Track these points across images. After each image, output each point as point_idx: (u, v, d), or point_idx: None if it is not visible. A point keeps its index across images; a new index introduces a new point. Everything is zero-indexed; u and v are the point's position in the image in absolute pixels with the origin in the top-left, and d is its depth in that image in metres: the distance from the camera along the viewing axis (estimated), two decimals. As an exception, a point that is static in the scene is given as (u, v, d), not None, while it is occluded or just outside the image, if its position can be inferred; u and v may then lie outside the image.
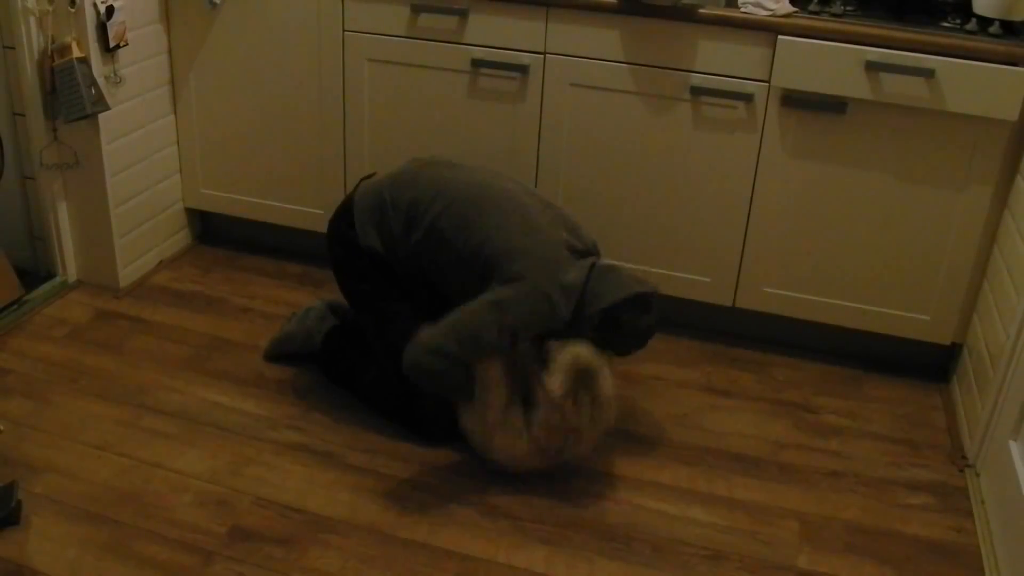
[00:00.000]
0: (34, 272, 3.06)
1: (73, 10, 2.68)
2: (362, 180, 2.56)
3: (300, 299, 3.04)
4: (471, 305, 2.25)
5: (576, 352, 2.26)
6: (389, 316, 2.43)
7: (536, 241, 2.30)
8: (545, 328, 2.29)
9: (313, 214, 3.15)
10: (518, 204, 2.36)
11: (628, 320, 2.31)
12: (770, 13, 2.57)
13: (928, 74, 2.46)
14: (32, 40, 2.71)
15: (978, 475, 2.43)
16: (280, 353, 2.75)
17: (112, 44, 2.80)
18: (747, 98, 2.64)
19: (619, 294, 2.29)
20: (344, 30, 2.90)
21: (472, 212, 2.34)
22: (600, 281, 2.31)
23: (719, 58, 2.63)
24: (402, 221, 2.38)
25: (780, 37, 2.54)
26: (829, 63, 2.53)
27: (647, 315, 2.34)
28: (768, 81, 2.61)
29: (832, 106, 2.58)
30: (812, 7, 2.64)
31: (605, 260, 2.40)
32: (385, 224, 2.40)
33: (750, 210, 2.77)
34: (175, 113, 3.18)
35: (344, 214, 2.48)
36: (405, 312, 2.41)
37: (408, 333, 2.41)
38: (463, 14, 2.77)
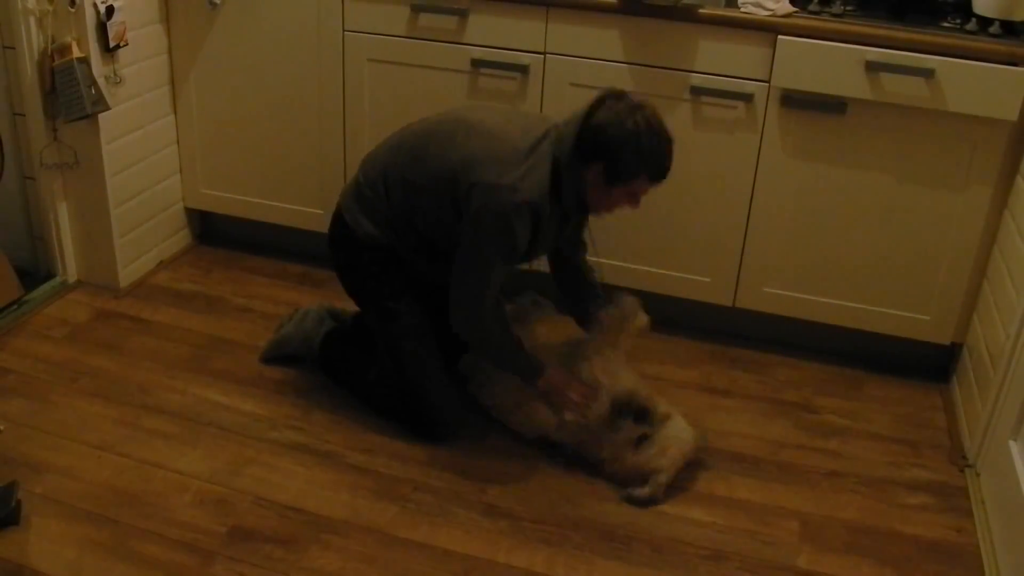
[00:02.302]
0: (34, 272, 3.06)
1: (73, 10, 2.68)
2: None
3: (300, 299, 3.04)
4: (457, 272, 2.27)
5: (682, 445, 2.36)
6: (392, 314, 2.43)
7: (486, 146, 2.25)
8: (534, 217, 2.21)
9: (313, 214, 3.15)
10: (465, 123, 2.32)
11: (613, 124, 2.16)
12: (770, 13, 2.57)
13: (928, 74, 2.46)
14: (32, 40, 2.71)
15: (978, 475, 2.43)
16: (277, 355, 2.75)
17: (112, 44, 2.79)
18: (747, 98, 2.64)
19: (576, 120, 2.20)
20: (344, 30, 2.90)
21: (426, 144, 2.33)
22: (560, 135, 2.24)
23: (719, 58, 2.63)
24: (381, 193, 2.38)
25: (780, 37, 2.54)
26: (829, 63, 2.52)
27: (630, 111, 2.16)
28: (768, 81, 2.61)
29: (832, 106, 2.58)
30: (812, 7, 2.64)
31: None
32: (370, 205, 2.40)
33: (750, 210, 2.77)
34: (175, 113, 3.18)
35: (337, 218, 2.49)
36: (407, 309, 2.42)
37: (410, 331, 2.42)
38: (463, 14, 2.77)
